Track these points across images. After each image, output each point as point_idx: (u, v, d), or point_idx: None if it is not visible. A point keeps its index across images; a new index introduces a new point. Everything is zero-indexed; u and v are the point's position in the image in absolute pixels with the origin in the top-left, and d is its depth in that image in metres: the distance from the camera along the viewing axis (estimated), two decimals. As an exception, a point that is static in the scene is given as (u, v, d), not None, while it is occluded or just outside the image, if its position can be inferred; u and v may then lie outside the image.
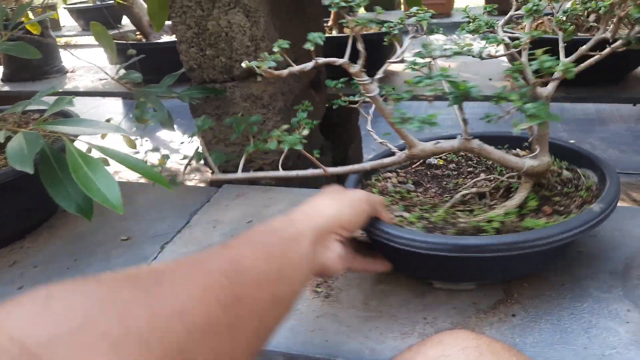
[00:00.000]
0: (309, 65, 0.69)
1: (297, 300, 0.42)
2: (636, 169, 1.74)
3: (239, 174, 0.80)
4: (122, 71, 1.00)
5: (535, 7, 0.53)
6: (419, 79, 0.53)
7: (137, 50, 1.47)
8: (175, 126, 0.92)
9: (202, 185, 1.83)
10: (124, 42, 1.65)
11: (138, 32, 1.82)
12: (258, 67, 0.68)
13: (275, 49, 0.70)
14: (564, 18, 0.53)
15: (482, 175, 0.69)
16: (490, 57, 0.58)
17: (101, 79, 1.82)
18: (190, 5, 0.90)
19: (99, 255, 0.80)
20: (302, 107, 0.76)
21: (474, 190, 0.66)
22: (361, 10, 3.29)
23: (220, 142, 1.02)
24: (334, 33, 1.57)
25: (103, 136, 1.26)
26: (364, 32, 1.57)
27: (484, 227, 0.60)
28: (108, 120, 1.32)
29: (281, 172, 0.76)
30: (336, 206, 0.50)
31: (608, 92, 1.25)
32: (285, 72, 0.69)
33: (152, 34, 1.75)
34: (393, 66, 1.64)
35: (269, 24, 0.92)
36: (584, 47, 0.55)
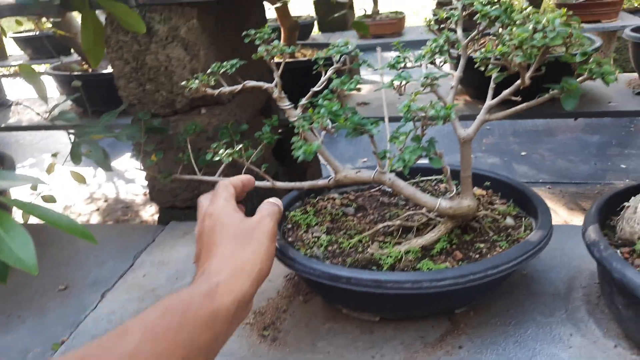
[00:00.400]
0: (237, 87, 0.69)
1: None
2: (584, 178, 1.80)
3: (197, 176, 0.81)
4: (62, 107, 0.96)
5: (438, 48, 0.55)
6: (303, 117, 0.57)
7: (83, 81, 1.43)
8: (112, 165, 0.89)
9: (157, 217, 1.79)
10: (68, 73, 1.60)
11: (83, 62, 1.77)
12: (191, 83, 0.68)
13: (209, 71, 0.69)
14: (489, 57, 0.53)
15: (424, 210, 0.69)
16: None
17: (42, 113, 1.76)
18: (127, 41, 0.88)
19: (33, 308, 0.75)
20: (268, 122, 0.76)
21: (397, 223, 0.66)
22: (315, 31, 3.33)
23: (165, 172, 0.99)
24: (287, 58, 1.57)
25: (50, 170, 1.20)
26: (310, 58, 1.57)
27: (380, 261, 0.60)
28: (55, 155, 1.26)
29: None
30: (256, 257, 0.46)
31: (550, 108, 1.29)
32: (215, 91, 0.69)
33: (98, 64, 1.71)
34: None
35: (210, 56, 0.90)
36: (506, 91, 0.56)
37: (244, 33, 0.64)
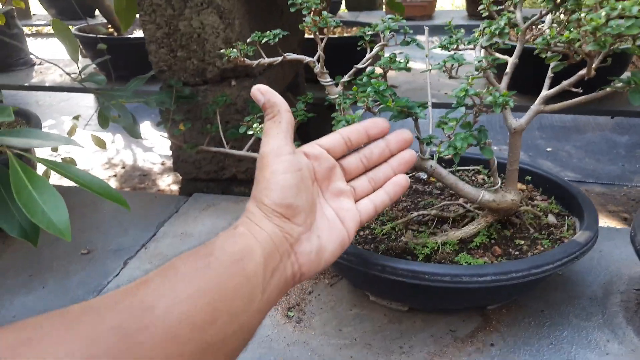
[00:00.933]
0: (278, 59, 0.66)
1: (254, 330, 0.34)
2: (611, 179, 1.75)
3: (224, 149, 0.79)
4: (89, 69, 0.94)
5: (498, 30, 0.51)
6: (345, 94, 0.53)
7: (108, 45, 1.41)
8: (141, 130, 0.87)
9: (174, 188, 1.78)
10: (94, 35, 1.58)
11: (109, 26, 1.75)
12: (229, 52, 0.65)
13: (249, 40, 0.66)
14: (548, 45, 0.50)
15: (461, 200, 0.66)
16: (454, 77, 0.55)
17: (70, 73, 1.74)
18: (160, 4, 0.85)
19: (55, 270, 0.74)
20: (303, 99, 0.73)
21: (433, 212, 0.63)
22: (342, 9, 3.26)
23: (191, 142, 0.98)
24: (314, 34, 1.53)
25: (71, 133, 1.19)
26: (345, 35, 1.53)
27: (415, 251, 0.58)
28: (77, 117, 1.25)
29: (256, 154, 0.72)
30: (262, 211, 0.39)
31: (586, 105, 1.25)
32: (254, 62, 0.66)
33: (124, 28, 1.68)
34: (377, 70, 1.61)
35: (244, 25, 0.87)
36: (566, 82, 0.52)
37: (290, 1, 0.61)
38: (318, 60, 0.61)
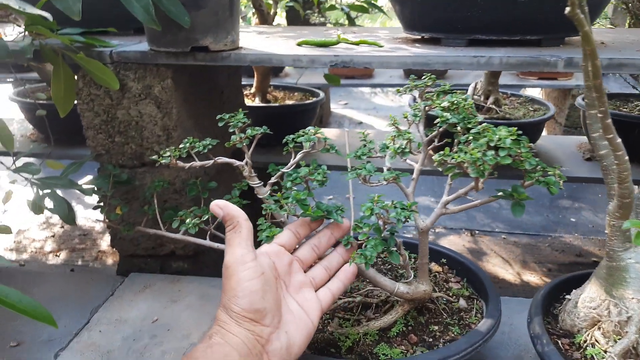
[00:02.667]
0: (208, 162, 0.70)
1: None
2: (537, 230, 1.89)
3: (161, 232, 0.80)
4: (24, 131, 0.94)
5: (400, 149, 0.58)
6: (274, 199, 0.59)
7: (48, 110, 1.40)
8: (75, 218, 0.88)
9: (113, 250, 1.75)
10: (33, 101, 1.57)
11: (49, 89, 1.74)
12: (161, 159, 0.69)
13: (182, 146, 0.70)
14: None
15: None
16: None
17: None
18: (99, 94, 0.88)
19: (-19, 369, 0.73)
20: (238, 186, 0.77)
21: (358, 299, 0.69)
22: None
23: (128, 224, 0.99)
24: (257, 100, 1.60)
25: (7, 199, 1.16)
26: (287, 102, 1.61)
27: (338, 342, 0.62)
28: (13, 182, 1.22)
29: (206, 241, 0.74)
30: (232, 318, 0.44)
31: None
32: (187, 165, 0.70)
33: (65, 91, 1.68)
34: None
35: (182, 113, 0.91)
36: (462, 190, 0.60)
37: (218, 117, 0.66)
38: (247, 164, 0.66)
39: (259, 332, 0.44)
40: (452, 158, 0.55)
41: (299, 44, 0.91)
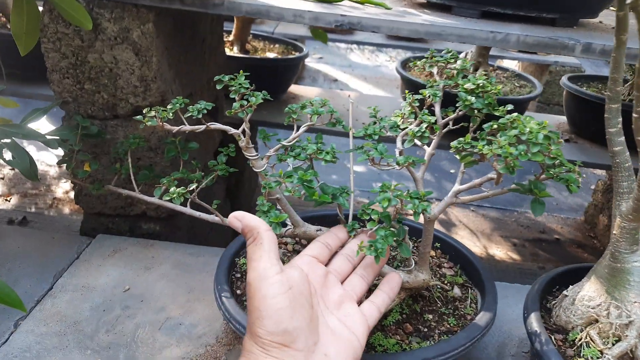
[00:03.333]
0: (201, 127, 0.63)
1: None
2: (504, 204, 1.93)
3: (135, 193, 0.72)
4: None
5: (420, 133, 0.54)
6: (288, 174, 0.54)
7: (1, 40, 1.25)
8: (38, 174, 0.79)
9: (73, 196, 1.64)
10: (-18, 29, 1.39)
11: (2, 16, 1.55)
12: (147, 120, 0.61)
13: (170, 107, 0.63)
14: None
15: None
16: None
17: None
18: (67, 33, 0.77)
19: None
20: (225, 151, 0.70)
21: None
22: None
23: (97, 182, 0.90)
24: (236, 50, 1.49)
25: None
26: (267, 55, 1.51)
27: None
28: None
29: (187, 209, 0.68)
30: (259, 346, 0.39)
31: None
32: (175, 129, 0.63)
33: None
34: (296, 89, 1.60)
35: (162, 62, 0.82)
36: (477, 181, 0.56)
37: (216, 77, 0.58)
38: (244, 134, 0.59)
39: (291, 355, 0.38)
40: (476, 147, 0.51)
41: (299, -3, 0.82)
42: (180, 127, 0.61)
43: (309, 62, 3.28)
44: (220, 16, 1.15)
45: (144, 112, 0.61)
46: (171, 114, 0.61)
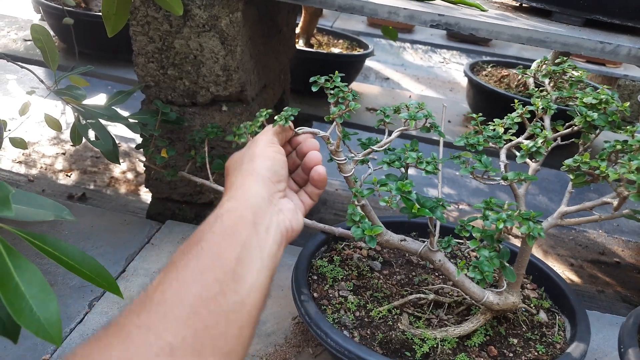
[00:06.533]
0: (289, 134, 0.61)
1: (265, 287, 0.37)
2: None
3: (208, 182, 0.71)
4: (71, 76, 0.83)
5: (535, 148, 0.50)
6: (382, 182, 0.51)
7: (75, 20, 1.27)
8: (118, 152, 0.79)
9: (130, 177, 1.67)
10: (61, 7, 1.43)
11: (76, -5, 1.59)
12: (237, 138, 0.61)
13: (256, 120, 0.61)
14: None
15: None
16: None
17: (26, 40, 1.57)
18: (157, 17, 0.77)
19: (9, 309, 0.67)
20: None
21: (431, 297, 0.63)
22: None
23: (169, 167, 0.90)
24: (301, 43, 1.47)
25: (24, 111, 1.07)
26: (333, 52, 1.48)
27: (413, 346, 0.57)
28: (31, 92, 1.11)
29: None
30: (254, 177, 0.45)
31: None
32: None
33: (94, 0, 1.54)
34: (356, 87, 1.58)
35: (245, 53, 0.81)
36: (589, 204, 0.52)
37: (311, 79, 0.56)
38: (336, 138, 0.57)
39: (274, 192, 0.45)
40: (597, 169, 0.47)
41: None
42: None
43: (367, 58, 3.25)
44: (296, 7, 1.14)
45: (234, 130, 0.61)
46: (258, 128, 0.60)
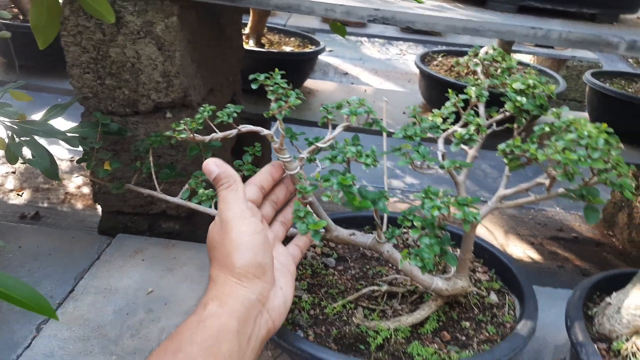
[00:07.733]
0: (232, 132, 0.60)
1: None
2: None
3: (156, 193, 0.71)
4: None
5: (468, 135, 0.51)
6: (325, 178, 0.50)
7: (13, 33, 1.22)
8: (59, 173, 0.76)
9: (85, 191, 1.62)
10: (-5, 20, 1.37)
11: (13, 7, 1.53)
12: (177, 134, 0.59)
13: (198, 116, 0.60)
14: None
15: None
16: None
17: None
18: (89, 26, 0.74)
19: (-51, 341, 0.63)
20: (250, 151, 0.67)
21: (384, 288, 0.63)
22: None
23: (116, 180, 0.88)
24: (251, 43, 1.46)
25: None
26: (284, 50, 1.48)
27: (367, 338, 0.57)
28: None
29: (212, 210, 0.66)
30: (237, 278, 0.43)
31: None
32: (207, 138, 0.60)
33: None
34: (311, 84, 1.57)
35: (186, 57, 0.79)
36: (524, 185, 0.53)
37: (251, 76, 0.55)
38: (279, 135, 0.57)
39: (261, 290, 0.42)
40: (527, 152, 0.48)
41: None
42: (211, 135, 0.58)
43: (319, 55, 3.24)
44: (240, 8, 1.12)
45: (172, 126, 0.59)
46: (200, 124, 0.59)
